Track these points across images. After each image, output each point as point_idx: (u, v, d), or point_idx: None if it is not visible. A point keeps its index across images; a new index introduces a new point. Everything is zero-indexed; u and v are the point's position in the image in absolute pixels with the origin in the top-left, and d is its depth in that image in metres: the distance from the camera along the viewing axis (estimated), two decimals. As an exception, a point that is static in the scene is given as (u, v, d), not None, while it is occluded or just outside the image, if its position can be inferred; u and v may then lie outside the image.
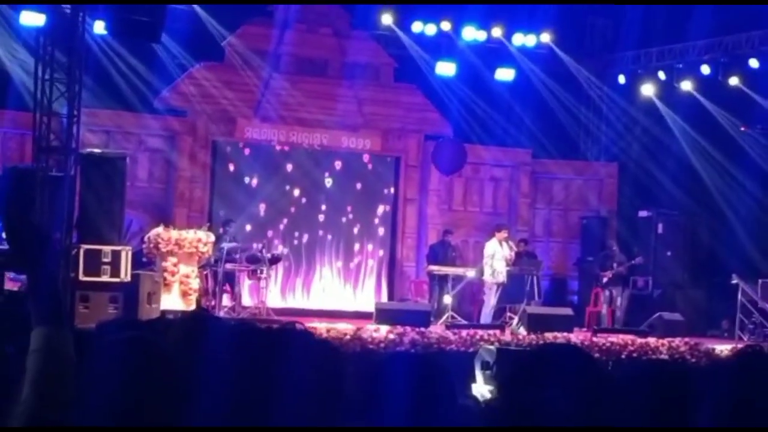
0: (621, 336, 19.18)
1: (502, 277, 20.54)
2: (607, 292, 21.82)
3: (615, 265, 21.81)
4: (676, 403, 3.02)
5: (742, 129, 23.24)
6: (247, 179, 23.08)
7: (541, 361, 2.94)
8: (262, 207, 23.15)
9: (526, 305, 20.13)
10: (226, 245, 19.45)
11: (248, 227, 22.54)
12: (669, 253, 23.88)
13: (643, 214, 24.35)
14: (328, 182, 23.65)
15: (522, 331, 18.94)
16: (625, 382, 3.12)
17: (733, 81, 22.83)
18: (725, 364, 2.80)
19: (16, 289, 15.76)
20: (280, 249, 22.91)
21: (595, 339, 18.71)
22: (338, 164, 23.74)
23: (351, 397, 2.82)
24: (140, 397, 2.84)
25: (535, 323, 19.01)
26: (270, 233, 23.15)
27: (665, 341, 18.60)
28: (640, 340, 18.67)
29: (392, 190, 24.29)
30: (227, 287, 19.96)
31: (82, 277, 17.16)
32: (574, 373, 2.89)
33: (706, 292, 23.22)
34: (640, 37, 23.24)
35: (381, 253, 24.15)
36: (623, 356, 17.40)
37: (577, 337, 18.95)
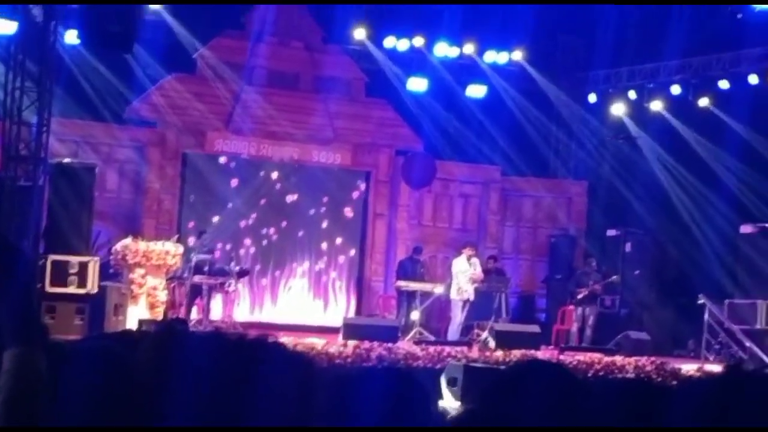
0: (588, 354, 19.19)
1: (467, 295, 20.52)
2: (579, 310, 21.79)
3: (591, 282, 21.80)
4: (647, 421, 3.02)
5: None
6: (216, 188, 22.93)
7: (518, 377, 2.92)
8: (230, 210, 22.98)
9: (493, 322, 20.14)
10: (195, 257, 19.35)
11: (215, 218, 22.30)
12: (637, 272, 23.91)
13: (611, 232, 24.40)
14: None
15: (490, 346, 18.95)
16: (595, 400, 3.11)
17: (703, 102, 22.97)
18: (709, 383, 2.80)
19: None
20: (249, 247, 22.87)
21: (562, 357, 18.72)
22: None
23: (325, 410, 2.80)
24: (112, 409, 2.81)
25: (502, 340, 19.02)
26: (242, 224, 23.01)
27: (632, 360, 18.58)
28: (606, 359, 18.66)
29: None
30: (195, 300, 19.85)
31: (48, 288, 17.07)
32: (551, 389, 2.88)
33: (673, 312, 23.27)
34: (611, 57, 23.35)
35: (352, 252, 24.06)
36: (590, 375, 17.41)
37: (544, 354, 18.94)
